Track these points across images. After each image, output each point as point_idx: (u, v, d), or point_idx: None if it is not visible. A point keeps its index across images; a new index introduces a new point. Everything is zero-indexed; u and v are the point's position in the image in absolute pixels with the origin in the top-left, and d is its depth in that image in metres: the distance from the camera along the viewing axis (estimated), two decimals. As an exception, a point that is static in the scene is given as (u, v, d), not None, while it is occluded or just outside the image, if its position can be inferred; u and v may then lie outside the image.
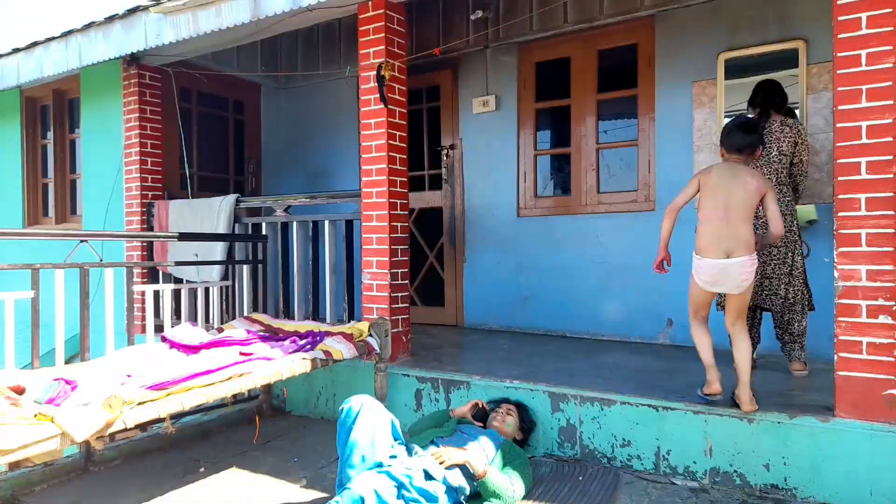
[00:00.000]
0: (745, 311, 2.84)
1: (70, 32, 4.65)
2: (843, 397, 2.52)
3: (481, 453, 2.57)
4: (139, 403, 2.24)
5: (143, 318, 4.76)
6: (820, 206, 3.81)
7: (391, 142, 3.78)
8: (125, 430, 2.24)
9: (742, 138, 2.88)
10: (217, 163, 5.83)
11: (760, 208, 2.87)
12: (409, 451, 2.51)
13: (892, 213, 2.42)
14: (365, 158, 3.84)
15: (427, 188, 5.57)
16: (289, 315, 4.46)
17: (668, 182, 4.38)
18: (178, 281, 4.72)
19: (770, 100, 3.41)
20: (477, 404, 3.05)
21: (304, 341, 3.20)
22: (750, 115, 3.49)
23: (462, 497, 2.43)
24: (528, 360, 3.86)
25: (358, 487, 2.15)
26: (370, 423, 2.44)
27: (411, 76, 4.35)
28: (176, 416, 3.49)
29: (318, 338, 3.23)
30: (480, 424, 2.94)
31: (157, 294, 4.30)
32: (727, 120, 4.21)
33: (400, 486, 2.23)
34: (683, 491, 2.69)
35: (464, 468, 2.44)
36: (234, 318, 4.41)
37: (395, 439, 2.53)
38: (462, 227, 5.38)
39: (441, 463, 2.38)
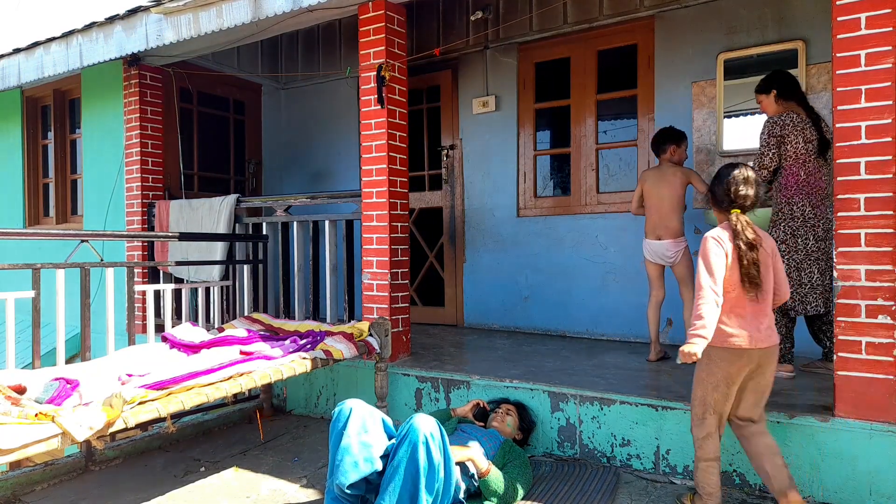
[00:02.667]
0: (686, 280, 3.70)
1: (71, 33, 4.66)
2: (843, 397, 2.53)
3: (482, 452, 2.58)
4: (140, 403, 2.25)
5: (144, 318, 4.77)
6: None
7: (391, 142, 3.79)
8: (126, 429, 2.24)
9: (655, 145, 3.86)
10: (218, 163, 5.83)
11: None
12: None
13: (891, 213, 2.43)
14: (365, 159, 3.85)
15: (427, 188, 5.57)
16: (289, 315, 4.47)
17: (668, 182, 4.38)
18: (179, 281, 4.73)
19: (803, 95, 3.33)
20: (478, 404, 3.06)
21: (304, 341, 3.21)
22: (779, 116, 3.30)
23: (461, 495, 2.43)
24: (527, 359, 3.87)
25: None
26: (359, 424, 2.36)
27: (411, 76, 4.36)
28: (177, 416, 3.50)
29: (318, 337, 3.24)
30: (481, 424, 2.95)
31: (157, 294, 4.31)
32: (727, 120, 4.22)
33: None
34: (683, 490, 2.69)
35: (463, 466, 2.44)
36: (234, 317, 4.42)
37: (391, 437, 2.51)
38: (462, 227, 5.38)
39: None
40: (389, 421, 2.53)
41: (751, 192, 2.33)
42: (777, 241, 3.23)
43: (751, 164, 4.10)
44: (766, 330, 2.30)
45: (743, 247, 2.25)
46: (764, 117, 3.45)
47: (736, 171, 2.37)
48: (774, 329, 2.34)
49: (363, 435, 2.34)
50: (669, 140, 3.79)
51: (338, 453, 2.31)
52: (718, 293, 2.22)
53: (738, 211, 2.32)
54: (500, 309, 5.17)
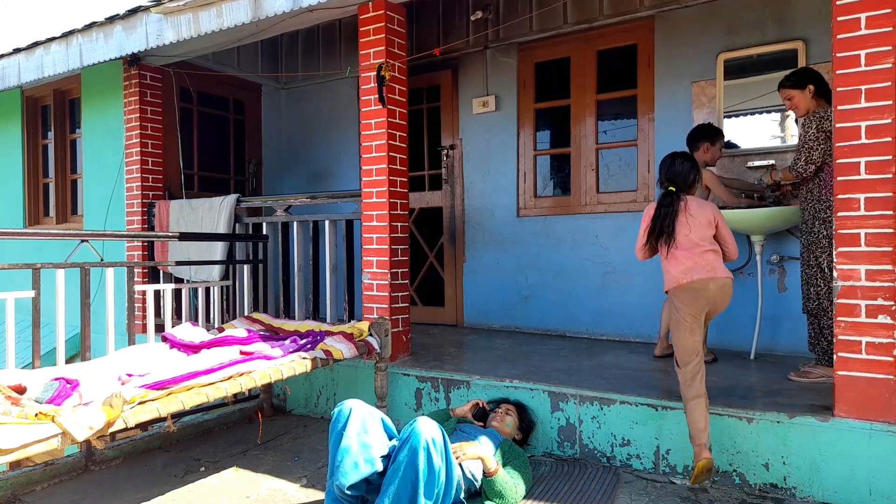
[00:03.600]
0: None
1: (71, 33, 4.66)
2: (843, 397, 2.53)
3: (492, 452, 2.58)
4: (140, 403, 2.25)
5: (144, 318, 4.76)
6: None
7: (391, 142, 3.79)
8: (126, 429, 2.24)
9: (689, 141, 3.81)
10: (218, 163, 5.83)
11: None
12: None
13: (891, 213, 2.43)
14: (365, 159, 3.85)
15: (427, 188, 5.57)
16: (289, 315, 4.47)
17: (668, 182, 4.38)
18: (179, 281, 4.73)
19: None
20: (477, 404, 3.06)
21: (304, 341, 3.21)
22: (826, 111, 3.18)
23: (462, 495, 2.43)
24: (527, 359, 3.87)
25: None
26: (359, 425, 2.35)
27: (411, 76, 4.36)
28: (177, 416, 3.49)
29: (318, 337, 3.24)
30: (480, 424, 2.95)
31: (157, 294, 4.31)
32: (727, 120, 4.22)
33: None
34: (683, 490, 2.69)
35: (463, 466, 2.44)
36: (234, 317, 4.42)
37: (391, 438, 2.51)
38: (462, 227, 5.38)
39: (456, 458, 2.37)
40: (389, 421, 2.52)
41: (681, 172, 2.86)
42: (830, 240, 3.03)
43: (761, 161, 4.07)
44: (705, 265, 2.74)
45: (660, 209, 2.82)
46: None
47: (669, 159, 2.91)
48: (717, 266, 2.76)
49: (363, 436, 2.33)
50: (703, 137, 3.75)
51: (338, 454, 2.30)
52: (640, 244, 2.91)
53: (673, 189, 2.84)
54: (500, 309, 5.17)
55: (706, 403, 2.61)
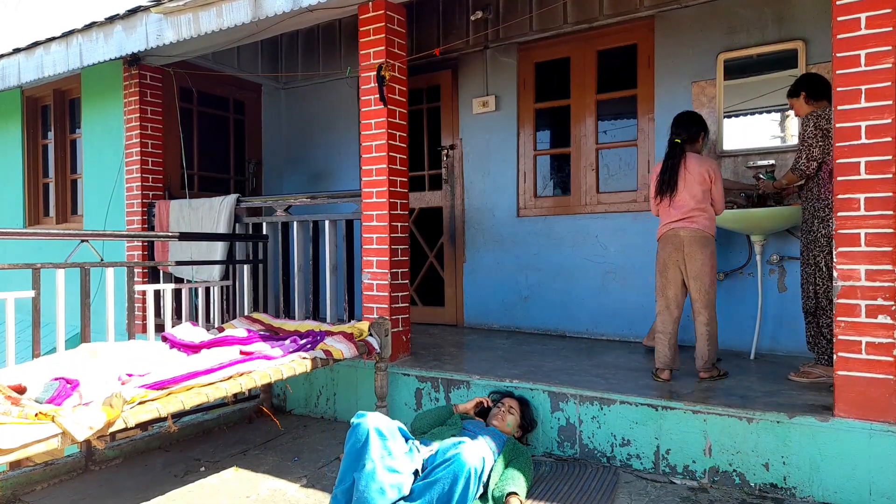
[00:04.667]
0: None
1: (71, 33, 4.66)
2: (843, 397, 2.53)
3: (487, 451, 2.59)
4: (140, 403, 2.25)
5: (144, 318, 4.77)
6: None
7: (391, 142, 3.79)
8: (126, 429, 2.24)
9: None
10: (218, 163, 5.83)
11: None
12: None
13: (891, 213, 2.43)
14: (365, 158, 3.85)
15: (427, 188, 5.57)
16: (289, 315, 4.47)
17: (668, 182, 4.37)
18: (179, 280, 4.73)
19: None
20: (481, 402, 3.07)
21: (304, 341, 3.21)
22: (823, 109, 3.21)
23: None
24: (527, 359, 3.87)
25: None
26: (381, 446, 2.36)
27: (411, 76, 4.36)
28: (176, 416, 3.50)
29: (318, 337, 3.24)
30: (482, 420, 2.96)
31: (157, 294, 4.32)
32: (727, 120, 4.22)
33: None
34: (683, 490, 2.69)
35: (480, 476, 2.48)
36: (234, 317, 4.42)
37: (407, 440, 2.52)
38: (462, 227, 5.38)
39: None
40: (405, 427, 2.54)
41: (683, 122, 3.30)
42: (829, 239, 3.06)
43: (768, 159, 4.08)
44: (684, 218, 3.17)
45: (666, 162, 3.25)
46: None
47: (678, 114, 3.36)
48: (696, 220, 3.17)
49: (387, 459, 2.32)
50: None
51: (361, 479, 2.27)
52: (652, 200, 3.38)
53: (679, 141, 3.26)
54: (500, 309, 5.17)
55: (668, 341, 3.22)
